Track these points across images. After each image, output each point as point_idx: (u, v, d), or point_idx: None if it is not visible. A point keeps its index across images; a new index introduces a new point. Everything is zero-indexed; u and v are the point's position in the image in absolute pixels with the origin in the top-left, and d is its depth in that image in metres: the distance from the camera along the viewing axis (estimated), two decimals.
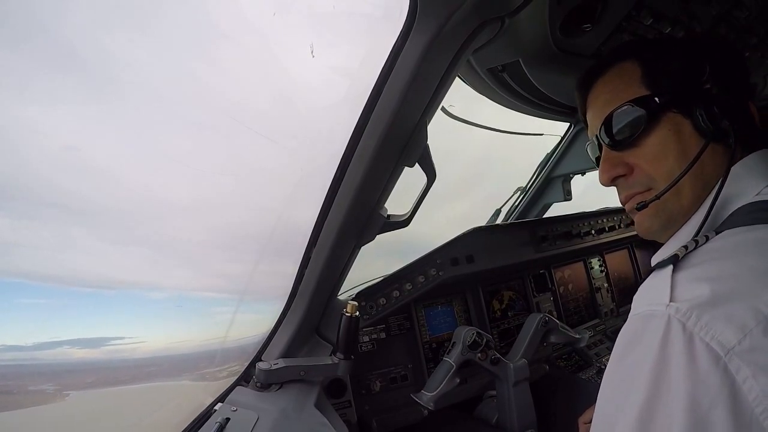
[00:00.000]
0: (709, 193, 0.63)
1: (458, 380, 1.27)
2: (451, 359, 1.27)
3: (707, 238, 0.56)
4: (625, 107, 0.66)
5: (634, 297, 0.56)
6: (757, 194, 0.60)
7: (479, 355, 1.29)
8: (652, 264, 0.59)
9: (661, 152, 0.65)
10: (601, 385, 0.56)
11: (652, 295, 0.52)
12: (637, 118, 0.65)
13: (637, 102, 0.65)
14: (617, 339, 0.55)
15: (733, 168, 0.61)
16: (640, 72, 0.67)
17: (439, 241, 1.49)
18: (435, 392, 1.23)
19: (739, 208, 0.60)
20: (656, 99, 0.64)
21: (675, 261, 0.54)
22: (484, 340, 1.30)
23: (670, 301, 0.49)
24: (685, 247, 0.56)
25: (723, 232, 0.57)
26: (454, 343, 1.32)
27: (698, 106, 0.62)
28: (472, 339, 1.28)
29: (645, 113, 0.64)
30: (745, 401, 0.43)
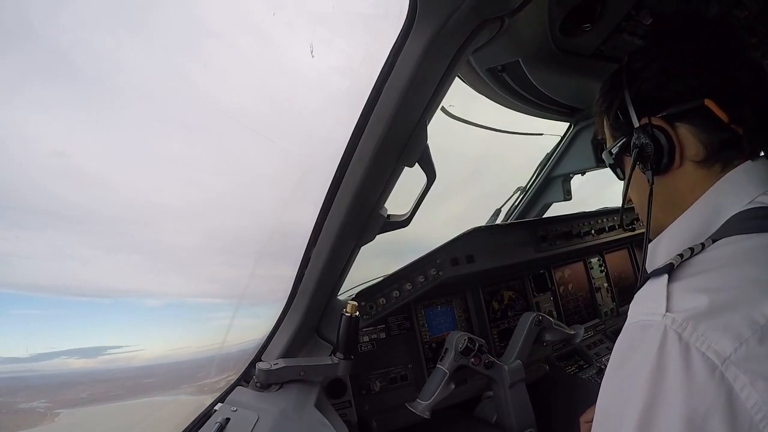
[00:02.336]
0: (680, 209, 0.67)
1: (453, 386, 1.26)
2: (444, 366, 1.26)
3: (703, 246, 0.57)
4: (605, 156, 0.78)
5: (630, 305, 0.56)
6: (749, 202, 0.60)
7: (472, 360, 1.28)
8: (648, 271, 0.60)
9: (630, 184, 0.75)
10: (600, 392, 0.56)
11: (648, 305, 0.53)
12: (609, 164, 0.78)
13: (605, 155, 0.78)
14: (614, 347, 0.55)
15: (725, 177, 0.63)
16: (606, 125, 0.76)
17: (439, 242, 1.49)
18: (430, 400, 1.22)
19: (733, 216, 0.60)
20: (611, 152, 0.74)
21: (670, 270, 0.54)
22: (476, 345, 1.28)
23: (666, 311, 0.49)
24: (681, 255, 0.56)
25: (719, 241, 0.57)
26: (446, 349, 1.31)
27: (633, 146, 0.67)
28: (464, 345, 1.26)
29: (611, 163, 0.76)
30: (743, 409, 0.43)
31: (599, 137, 0.84)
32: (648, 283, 0.56)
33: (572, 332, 1.47)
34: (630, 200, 0.78)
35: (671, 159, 0.64)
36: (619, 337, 0.55)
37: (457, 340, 1.28)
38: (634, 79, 0.68)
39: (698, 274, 0.53)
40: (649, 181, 0.67)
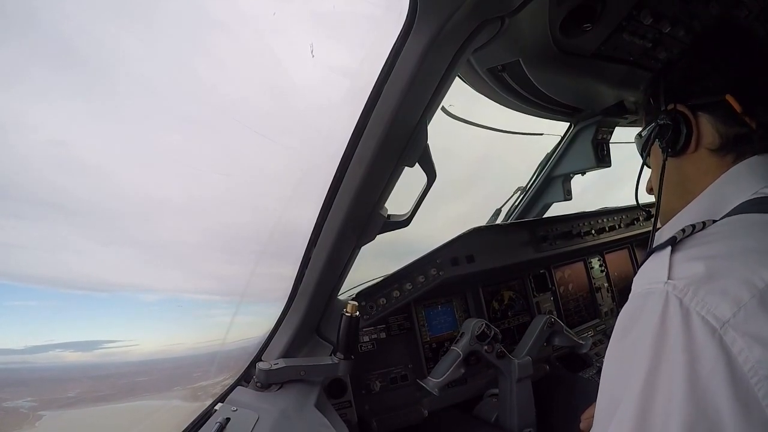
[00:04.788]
0: (691, 194, 0.71)
1: (463, 371, 1.29)
2: (459, 348, 1.29)
3: (704, 225, 0.59)
4: (636, 139, 0.85)
5: (634, 279, 0.58)
6: (754, 193, 0.63)
7: (486, 347, 1.31)
8: (652, 247, 0.61)
9: (652, 170, 0.83)
10: (604, 364, 0.58)
11: (650, 275, 0.55)
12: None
13: (635, 138, 0.84)
14: (618, 318, 0.57)
15: (730, 169, 0.67)
16: (643, 111, 0.83)
17: (439, 242, 1.49)
18: (440, 379, 1.25)
19: (738, 205, 0.63)
20: (641, 134, 0.81)
21: (673, 243, 0.56)
22: (492, 332, 1.31)
23: (668, 278, 0.51)
24: (683, 230, 0.58)
25: (720, 220, 0.61)
26: (462, 333, 1.34)
27: (655, 125, 0.74)
28: (481, 330, 1.29)
29: (641, 146, 0.82)
30: (741, 371, 0.45)
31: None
32: (651, 257, 0.58)
33: (581, 342, 1.48)
34: (652, 189, 0.83)
35: (687, 142, 0.70)
36: (622, 309, 0.56)
37: (474, 325, 1.31)
38: (670, 70, 0.76)
39: (698, 245, 0.56)
40: (663, 153, 0.73)
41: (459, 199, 2.75)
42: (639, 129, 0.84)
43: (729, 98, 0.66)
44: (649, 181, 0.84)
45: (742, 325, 0.45)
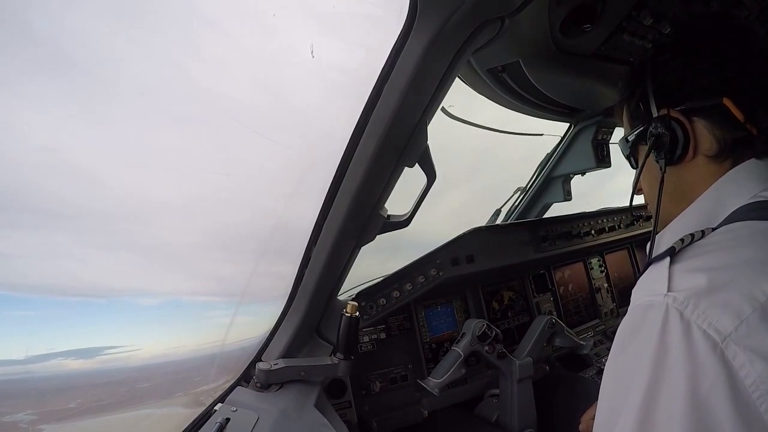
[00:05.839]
0: (689, 200, 0.68)
1: (464, 371, 1.29)
2: (460, 349, 1.29)
3: (703, 233, 0.58)
4: (621, 144, 0.81)
5: (634, 289, 0.57)
6: (752, 197, 0.62)
7: (487, 347, 1.31)
8: (651, 257, 0.61)
9: (642, 174, 0.78)
10: (604, 375, 0.57)
11: (650, 287, 0.54)
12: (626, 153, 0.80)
13: (620, 143, 0.80)
14: (618, 330, 0.56)
15: (728, 173, 0.65)
16: (626, 113, 0.78)
17: (438, 237, 1.50)
18: (441, 379, 1.25)
19: (736, 209, 0.62)
20: (628, 139, 0.76)
21: (672, 253, 0.55)
22: (493, 333, 1.32)
23: (668, 290, 0.50)
24: (682, 240, 0.57)
25: (720, 228, 0.59)
26: (463, 333, 1.34)
27: (650, 135, 0.69)
28: (482, 330, 1.30)
29: (627, 151, 0.79)
30: (743, 386, 0.44)
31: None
32: (650, 267, 0.57)
33: (582, 343, 1.49)
34: (640, 190, 0.80)
35: (685, 151, 0.66)
36: (623, 320, 0.56)
37: (475, 325, 1.31)
38: (658, 70, 0.70)
39: (698, 255, 0.55)
40: (661, 169, 0.69)
41: (458, 200, 2.75)
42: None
43: (727, 102, 0.62)
44: (638, 181, 0.80)
45: (744, 339, 0.45)
